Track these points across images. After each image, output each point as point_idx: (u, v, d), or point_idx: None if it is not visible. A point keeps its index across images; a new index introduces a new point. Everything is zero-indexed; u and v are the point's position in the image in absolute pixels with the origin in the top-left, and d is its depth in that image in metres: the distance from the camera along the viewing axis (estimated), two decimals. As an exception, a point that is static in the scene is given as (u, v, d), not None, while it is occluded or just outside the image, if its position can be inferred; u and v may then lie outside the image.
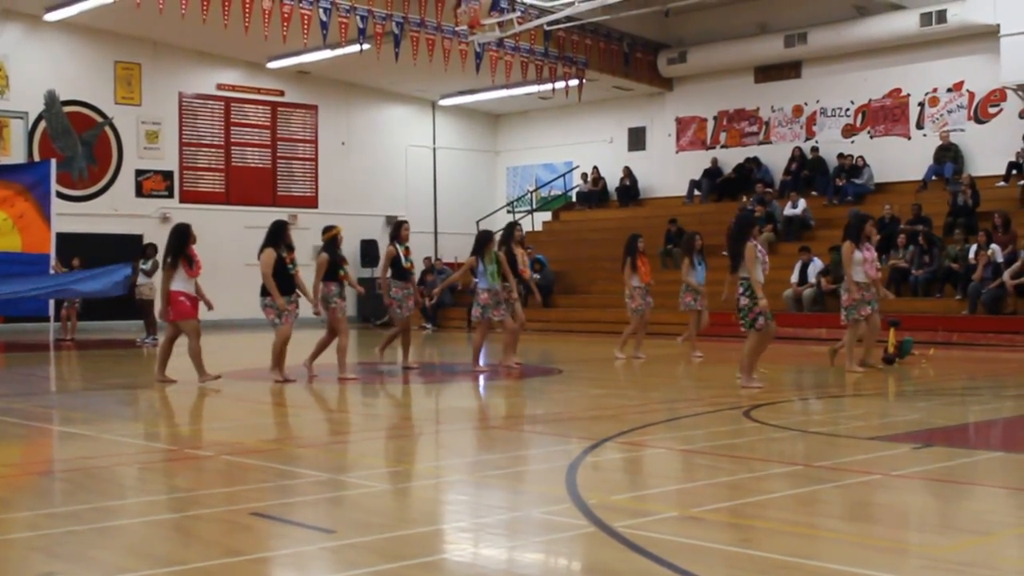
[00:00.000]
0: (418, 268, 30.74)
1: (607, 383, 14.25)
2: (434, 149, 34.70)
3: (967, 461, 8.10)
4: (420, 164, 34.28)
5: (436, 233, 33.70)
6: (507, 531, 5.99)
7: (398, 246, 15.29)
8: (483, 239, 15.35)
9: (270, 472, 7.63)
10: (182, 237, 13.49)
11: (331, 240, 14.55)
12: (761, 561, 5.14)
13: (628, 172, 32.24)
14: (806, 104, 29.45)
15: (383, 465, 8.16)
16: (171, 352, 13.83)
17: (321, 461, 8.39)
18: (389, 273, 15.20)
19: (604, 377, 14.79)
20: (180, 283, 13.43)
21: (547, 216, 34.20)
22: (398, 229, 15.46)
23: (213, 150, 30.32)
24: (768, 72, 30.01)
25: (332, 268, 14.35)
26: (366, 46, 25.21)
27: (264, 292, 13.68)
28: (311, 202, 31.55)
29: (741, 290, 12.56)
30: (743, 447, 8.73)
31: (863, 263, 14.47)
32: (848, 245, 14.48)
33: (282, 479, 7.36)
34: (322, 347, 14.62)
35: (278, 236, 13.79)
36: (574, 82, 28.93)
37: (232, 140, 30.62)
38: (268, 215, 29.28)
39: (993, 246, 21.67)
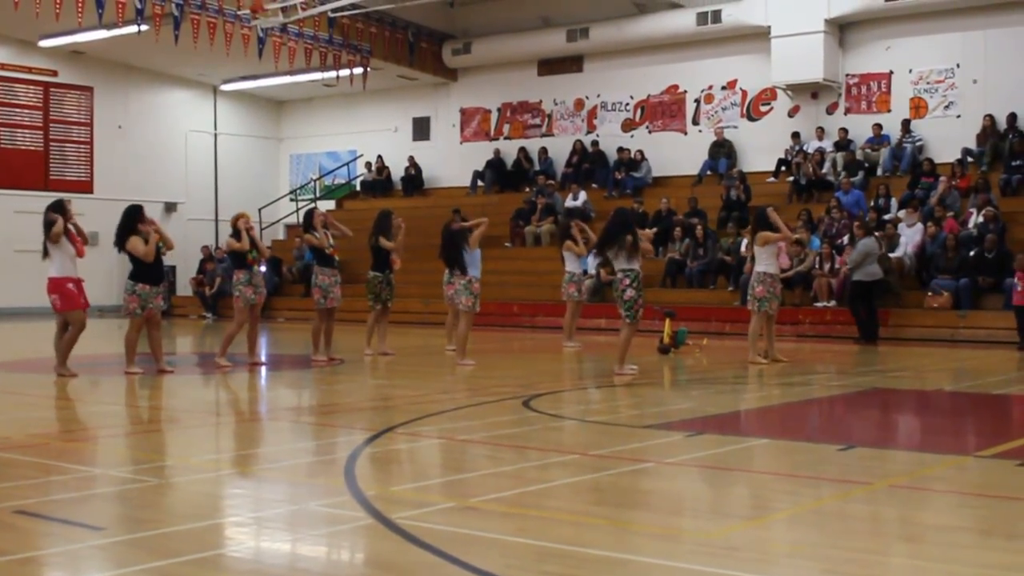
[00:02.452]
0: (196, 257, 30.34)
1: (389, 373, 14.22)
2: (215, 135, 34.01)
3: (737, 448, 8.38)
4: (201, 150, 33.55)
5: (217, 221, 33.01)
6: (284, 525, 5.92)
7: (315, 234, 15.07)
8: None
9: (37, 468, 7.36)
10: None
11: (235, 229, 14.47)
12: (536, 550, 5.21)
13: (413, 162, 32.25)
14: (587, 98, 29.97)
15: (157, 459, 7.96)
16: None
17: (92, 456, 8.14)
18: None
19: (387, 367, 14.76)
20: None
21: (331, 205, 33.87)
22: (312, 218, 15.28)
23: (-21, 131, 29.04)
24: (551, 65, 30.42)
25: (239, 254, 14.29)
26: (144, 27, 24.52)
27: (133, 277, 13.21)
28: (86, 187, 30.47)
29: (628, 282, 12.94)
30: (522, 437, 8.83)
31: (777, 255, 14.76)
32: (764, 235, 14.64)
33: (49, 475, 7.11)
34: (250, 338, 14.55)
35: (135, 221, 13.32)
36: (358, 70, 28.76)
37: (1, 121, 29.36)
38: (39, 199, 28.23)
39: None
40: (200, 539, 5.55)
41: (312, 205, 15.87)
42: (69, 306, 12.85)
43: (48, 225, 12.84)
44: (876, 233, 20.48)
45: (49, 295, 12.91)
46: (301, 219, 15.75)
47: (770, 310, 14.77)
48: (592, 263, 22.03)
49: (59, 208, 12.99)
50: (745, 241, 21.96)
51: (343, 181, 34.42)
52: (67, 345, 12.93)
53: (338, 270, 15.32)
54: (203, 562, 5.06)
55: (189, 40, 25.04)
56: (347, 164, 34.32)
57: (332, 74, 28.59)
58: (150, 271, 13.22)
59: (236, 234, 14.40)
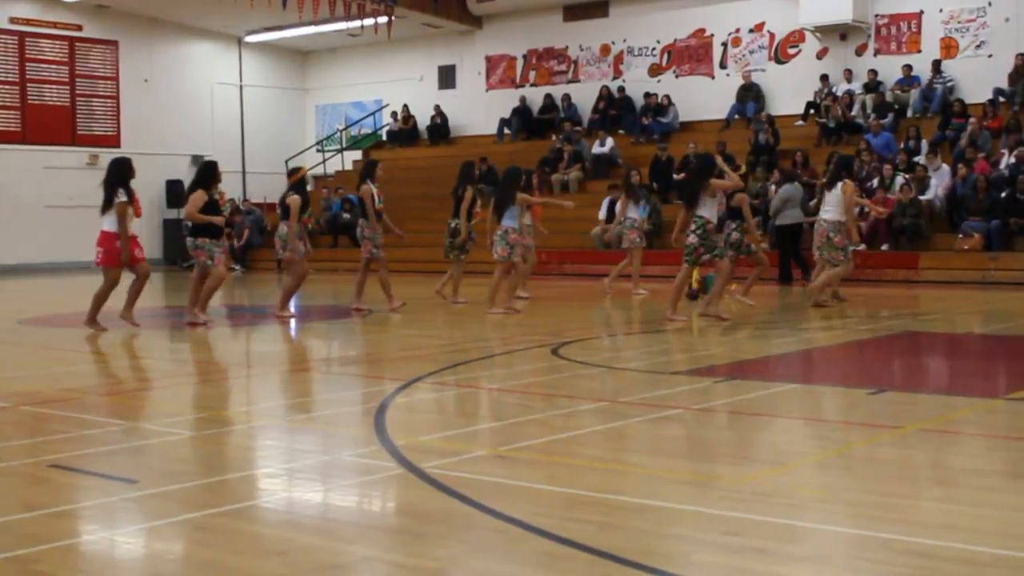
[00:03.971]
0: (224, 209, 30.38)
1: (419, 323, 14.25)
2: (240, 87, 33.99)
3: (766, 393, 8.36)
4: (226, 102, 33.55)
5: (244, 173, 33.06)
6: (315, 476, 5.97)
7: (375, 186, 15.13)
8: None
9: (70, 422, 7.43)
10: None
11: (300, 181, 14.62)
12: (566, 497, 5.23)
13: (439, 110, 32.16)
14: (613, 43, 29.77)
15: (189, 412, 8.01)
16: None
17: (123, 409, 8.21)
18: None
19: (416, 318, 14.79)
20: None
21: (357, 155, 33.85)
22: (375, 169, 15.32)
23: (7, 87, 29.09)
24: (576, 11, 30.22)
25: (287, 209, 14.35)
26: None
27: (194, 233, 13.36)
28: (113, 141, 30.55)
29: (693, 227, 13.16)
30: (551, 384, 8.86)
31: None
32: (849, 184, 14.72)
33: (82, 429, 7.17)
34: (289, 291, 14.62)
35: (209, 177, 13.48)
36: (383, 19, 28.56)
37: (28, 77, 29.41)
38: (68, 155, 28.34)
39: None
40: (233, 491, 5.60)
41: (375, 159, 15.68)
42: (107, 261, 12.91)
43: (113, 184, 12.85)
44: (805, 177, 20.49)
45: (97, 247, 12.96)
46: (362, 167, 15.52)
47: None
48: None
49: (127, 167, 13.05)
50: (774, 185, 21.91)
51: (369, 131, 34.36)
52: (98, 300, 13.00)
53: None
54: (236, 513, 5.11)
55: (213, -8, 24.99)
56: (373, 114, 34.25)
57: (357, 23, 28.43)
58: (210, 226, 13.37)
59: (300, 187, 14.48)
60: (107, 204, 12.79)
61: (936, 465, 6.08)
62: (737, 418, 7.50)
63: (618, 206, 17.81)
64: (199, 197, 13.26)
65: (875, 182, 21.62)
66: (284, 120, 34.96)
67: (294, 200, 14.25)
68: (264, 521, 5.07)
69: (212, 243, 13.34)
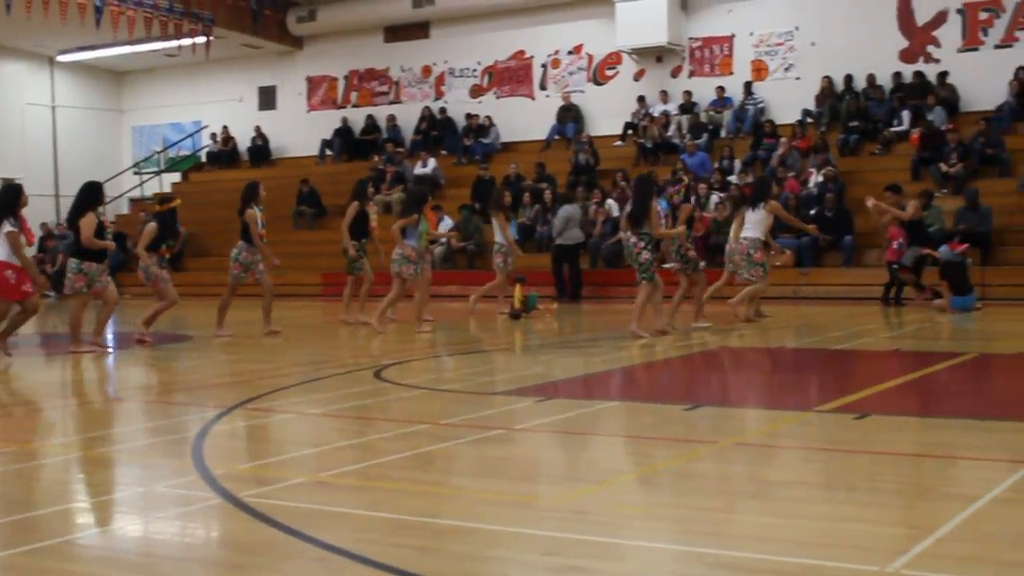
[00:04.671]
0: (36, 234, 29.45)
1: (239, 349, 14.04)
2: (53, 107, 33.10)
3: (586, 411, 8.47)
4: (38, 123, 32.66)
5: (57, 196, 32.15)
6: (131, 509, 5.82)
7: (258, 209, 14.78)
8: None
9: None
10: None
11: (170, 212, 14.48)
12: (388, 523, 5.21)
13: (259, 132, 31.82)
14: (435, 64, 29.90)
15: (-2, 445, 7.73)
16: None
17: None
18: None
19: (236, 343, 14.57)
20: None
21: (176, 177, 33.26)
22: (257, 192, 15.01)
23: None
24: (397, 32, 30.26)
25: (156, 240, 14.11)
26: (-27, -2, 23.70)
27: (80, 257, 13.16)
28: (-83, 164, 29.42)
29: (643, 244, 13.35)
30: (372, 408, 8.82)
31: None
32: (773, 204, 15.46)
33: None
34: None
35: (95, 198, 13.35)
36: (201, 39, 28.15)
37: None
38: None
39: (609, 202, 22.73)
40: (43, 527, 5.41)
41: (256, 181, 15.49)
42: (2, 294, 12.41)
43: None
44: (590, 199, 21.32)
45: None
46: (244, 191, 15.15)
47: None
48: (443, 229, 22.01)
49: (17, 194, 12.56)
50: (594, 205, 22.28)
51: (188, 153, 33.79)
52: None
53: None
54: (47, 551, 4.94)
55: (22, 9, 24.26)
56: (192, 135, 33.71)
57: (174, 43, 27.98)
58: (99, 251, 13.15)
59: (167, 217, 14.39)
60: None
61: (752, 478, 6.23)
62: (557, 437, 7.57)
63: (498, 227, 17.52)
64: (91, 221, 13.05)
65: (693, 200, 22.07)
66: (99, 141, 34.12)
67: (149, 228, 14.10)
68: (77, 558, 4.91)
69: (97, 268, 13.05)
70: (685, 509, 5.43)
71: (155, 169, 33.46)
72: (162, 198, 14.67)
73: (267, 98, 32.62)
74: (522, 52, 28.73)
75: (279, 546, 4.90)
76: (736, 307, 15.50)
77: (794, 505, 5.47)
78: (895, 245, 18.26)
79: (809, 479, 6.17)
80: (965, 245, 17.90)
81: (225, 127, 32.40)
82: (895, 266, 18.24)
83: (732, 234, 15.87)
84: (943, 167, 21.91)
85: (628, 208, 14.34)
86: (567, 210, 20.07)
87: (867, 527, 4.97)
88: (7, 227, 12.23)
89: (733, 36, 26.18)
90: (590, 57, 27.86)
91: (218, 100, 32.83)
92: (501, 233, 17.24)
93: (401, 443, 7.25)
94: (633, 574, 4.45)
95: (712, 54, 26.51)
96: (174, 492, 6.01)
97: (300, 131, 31.65)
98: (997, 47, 23.77)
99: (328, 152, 30.53)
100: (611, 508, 5.49)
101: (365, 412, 8.60)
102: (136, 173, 33.25)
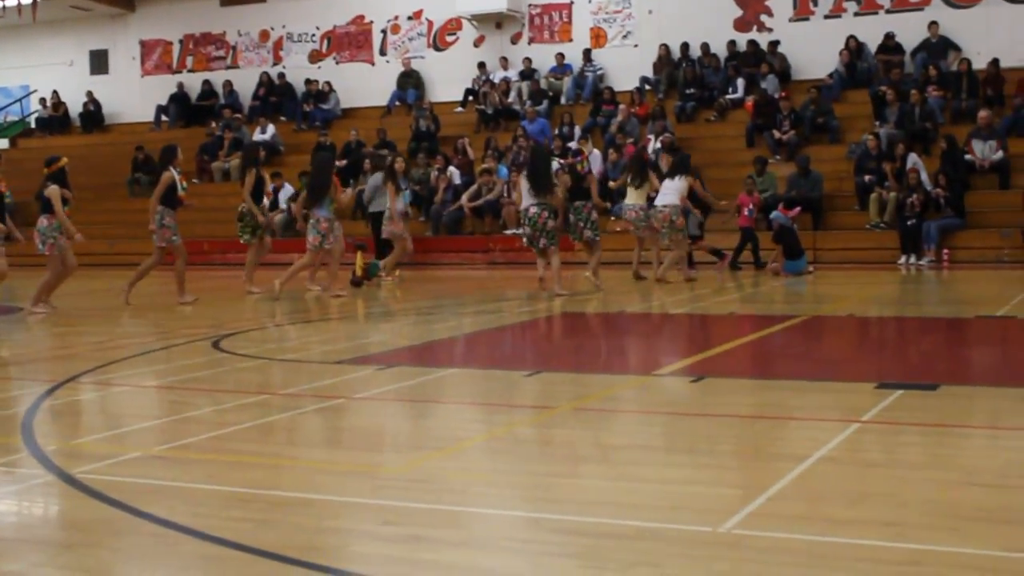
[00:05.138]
0: None
1: (72, 320, 13.67)
2: None
3: (427, 379, 8.46)
4: None
5: None
6: (-45, 487, 5.63)
7: (175, 171, 14.25)
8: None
9: None
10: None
11: (60, 172, 14.05)
12: (224, 495, 5.14)
13: (91, 97, 30.97)
14: (272, 29, 29.47)
15: None
16: None
17: None
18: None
19: (70, 314, 14.18)
20: None
21: (4, 144, 32.15)
22: (175, 154, 14.48)
23: None
24: (234, -4, 29.72)
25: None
26: None
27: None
28: None
29: (547, 214, 14.38)
30: (210, 379, 8.67)
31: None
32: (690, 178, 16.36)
33: None
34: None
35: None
36: (27, 0, 27.22)
37: None
38: None
39: (452, 169, 22.72)
40: None
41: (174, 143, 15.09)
42: None
43: None
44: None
45: None
46: (160, 153, 14.68)
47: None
48: (283, 197, 21.76)
49: None
50: (435, 171, 22.21)
51: (16, 118, 32.70)
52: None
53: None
54: None
55: None
56: (20, 100, 32.62)
57: (-2, 4, 27.02)
58: None
59: (59, 178, 14.05)
60: None
61: (592, 443, 6.29)
62: (399, 405, 7.56)
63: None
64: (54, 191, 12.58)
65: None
66: (-80, 106, 32.83)
67: (53, 191, 13.52)
68: None
69: None
70: (525, 475, 5.47)
71: (-19, 135, 32.36)
72: (48, 159, 14.12)
73: (99, 62, 31.75)
74: (361, 17, 28.48)
75: (113, 523, 4.79)
76: (663, 276, 16.20)
77: (632, 469, 5.55)
78: (746, 212, 18.63)
79: (647, 443, 6.27)
80: (797, 209, 18.37)
81: (55, 92, 31.46)
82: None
83: (634, 199, 16.68)
84: (776, 134, 22.44)
85: (524, 178, 14.83)
86: (376, 178, 19.91)
87: (703, 488, 5.07)
88: None
89: (572, 3, 26.36)
90: (430, 23, 27.76)
91: (47, 64, 31.81)
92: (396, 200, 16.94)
93: (240, 414, 7.15)
94: (473, 541, 4.47)
95: (551, 21, 26.64)
96: (3, 471, 5.83)
97: (134, 96, 30.91)
98: (827, 17, 24.38)
99: (164, 118, 29.90)
100: (451, 476, 5.49)
101: (203, 383, 8.46)
102: (-39, 138, 32.11)
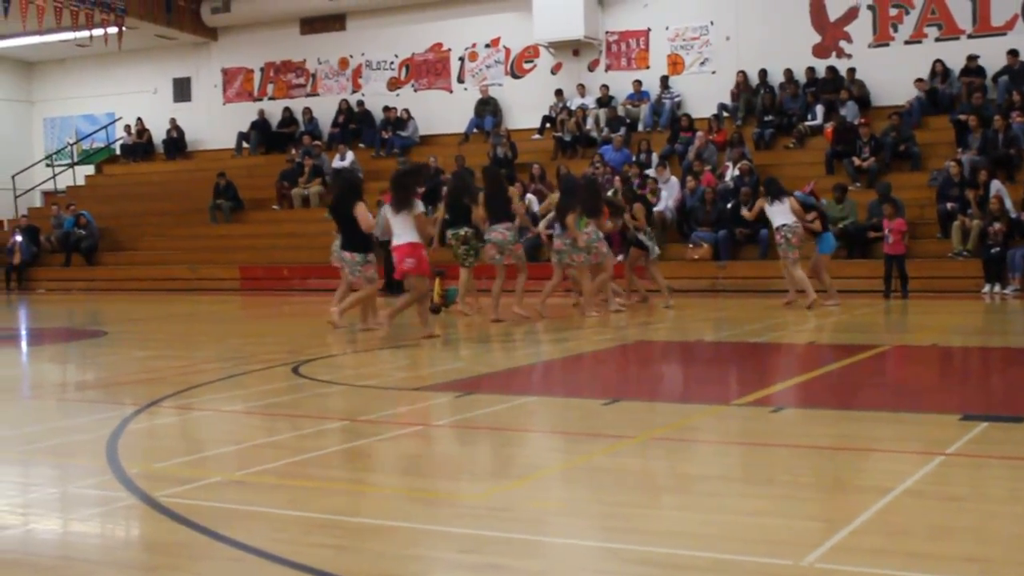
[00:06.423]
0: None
1: (155, 344, 13.87)
2: (-40, 99, 32.47)
3: (506, 407, 8.46)
4: (-55, 115, 31.99)
5: (-33, 189, 31.59)
6: (43, 510, 5.71)
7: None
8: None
9: None
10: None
11: None
12: (305, 521, 5.17)
13: (174, 124, 31.46)
14: (351, 57, 29.75)
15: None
16: None
17: None
18: None
19: (153, 338, 14.39)
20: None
21: (90, 170, 32.79)
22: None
23: None
24: (313, 24, 30.07)
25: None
26: None
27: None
28: None
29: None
30: (290, 404, 8.75)
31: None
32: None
33: None
34: None
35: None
36: (113, 29, 27.73)
37: None
38: None
39: (529, 196, 22.73)
40: (-49, 530, 5.31)
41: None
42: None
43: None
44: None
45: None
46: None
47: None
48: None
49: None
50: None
51: (102, 145, 33.30)
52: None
53: None
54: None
55: (-72, -1, 23.76)
56: (105, 127, 33.22)
57: (85, 33, 27.50)
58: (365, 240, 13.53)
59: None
60: None
61: (670, 472, 6.27)
62: (476, 433, 7.57)
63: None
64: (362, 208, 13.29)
65: (609, 193, 22.18)
66: (9, 134, 33.54)
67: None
68: (-14, 561, 4.83)
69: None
70: (603, 505, 5.45)
71: (68, 161, 32.95)
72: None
73: (182, 90, 32.25)
74: (439, 45, 28.68)
75: (193, 546, 4.85)
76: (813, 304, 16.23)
77: (710, 500, 5.51)
78: (888, 238, 18.40)
79: (726, 473, 6.22)
80: (812, 184, 19.08)
81: (139, 119, 31.99)
82: None
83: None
84: (856, 161, 22.23)
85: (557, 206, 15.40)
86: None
87: (782, 521, 5.03)
88: (418, 208, 12.89)
89: (649, 30, 26.35)
90: (507, 50, 27.89)
91: (132, 91, 32.38)
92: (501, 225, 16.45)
93: (319, 440, 7.21)
94: (551, 571, 4.46)
95: (628, 48, 26.65)
96: (88, 493, 5.92)
97: (216, 123, 31.34)
98: (907, 42, 24.16)
99: (245, 145, 30.27)
100: (530, 505, 5.49)
101: (283, 409, 8.53)
102: (48, 165, 32.71)
